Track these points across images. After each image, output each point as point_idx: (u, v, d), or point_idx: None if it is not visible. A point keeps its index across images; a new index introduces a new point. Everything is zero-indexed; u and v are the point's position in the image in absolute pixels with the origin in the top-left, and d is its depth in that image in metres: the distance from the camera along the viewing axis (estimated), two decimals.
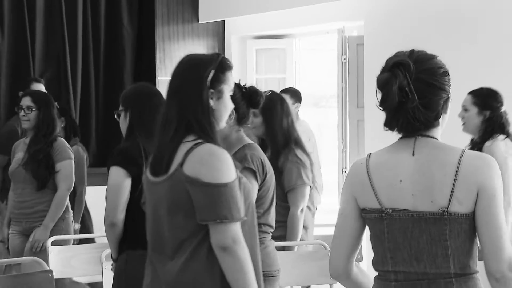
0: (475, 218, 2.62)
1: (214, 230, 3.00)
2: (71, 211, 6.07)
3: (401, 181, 2.69)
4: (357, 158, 8.38)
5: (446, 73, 2.77)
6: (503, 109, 5.64)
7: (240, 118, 3.90)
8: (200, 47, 9.53)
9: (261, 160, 3.88)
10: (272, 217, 3.94)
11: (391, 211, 2.69)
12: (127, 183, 4.11)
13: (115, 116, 4.48)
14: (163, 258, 3.13)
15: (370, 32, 8.13)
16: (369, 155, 2.78)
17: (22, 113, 5.87)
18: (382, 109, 2.72)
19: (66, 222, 5.95)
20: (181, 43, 9.46)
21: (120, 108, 4.38)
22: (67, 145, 5.95)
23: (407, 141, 2.72)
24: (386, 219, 2.71)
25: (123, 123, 4.34)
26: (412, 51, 2.84)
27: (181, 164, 3.02)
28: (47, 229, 5.77)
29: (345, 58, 8.65)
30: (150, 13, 9.35)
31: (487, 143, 5.53)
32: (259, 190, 3.82)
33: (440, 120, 2.74)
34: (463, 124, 5.73)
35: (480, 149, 5.50)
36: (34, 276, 4.57)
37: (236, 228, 3.01)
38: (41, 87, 7.41)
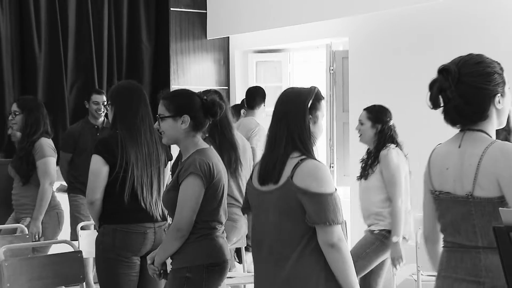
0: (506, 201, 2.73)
1: (322, 231, 3.19)
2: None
3: (447, 168, 2.87)
4: (342, 155, 8.40)
5: (490, 74, 2.92)
6: (391, 122, 5.71)
7: (196, 125, 3.86)
8: (208, 60, 9.53)
9: (209, 165, 3.79)
10: (221, 214, 3.88)
11: (438, 193, 2.89)
12: (105, 169, 4.27)
13: (106, 109, 4.58)
14: (275, 257, 3.26)
15: (354, 47, 8.13)
16: (436, 147, 2.99)
17: (10, 117, 5.91)
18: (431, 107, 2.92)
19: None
20: (191, 57, 9.45)
21: (108, 102, 4.51)
22: (49, 144, 5.88)
23: (459, 135, 2.89)
24: (437, 200, 2.91)
25: (110, 115, 4.47)
26: (460, 58, 3.02)
27: (291, 177, 3.21)
28: (36, 221, 5.76)
29: (332, 70, 8.64)
30: (165, 31, 9.34)
31: (383, 152, 5.57)
32: (207, 192, 3.77)
33: (490, 113, 2.85)
34: (359, 136, 5.80)
35: (376, 157, 5.60)
36: (65, 256, 4.55)
37: (339, 229, 3.20)
38: (100, 98, 7.26)
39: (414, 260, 5.84)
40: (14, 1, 8.44)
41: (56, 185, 6.49)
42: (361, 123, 5.78)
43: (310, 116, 3.32)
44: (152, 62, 9.41)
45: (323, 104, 3.43)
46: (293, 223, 3.23)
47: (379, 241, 5.55)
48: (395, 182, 5.53)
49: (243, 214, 3.77)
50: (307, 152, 3.28)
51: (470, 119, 2.85)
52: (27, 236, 5.43)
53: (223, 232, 3.92)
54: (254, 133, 6.84)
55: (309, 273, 3.22)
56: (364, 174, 5.70)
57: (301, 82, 9.45)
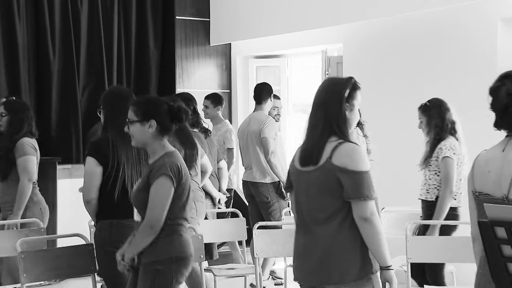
0: None
1: (357, 205, 3.28)
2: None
3: (489, 171, 2.88)
4: None
5: None
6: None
7: (163, 129, 3.90)
8: (211, 65, 9.53)
9: (178, 166, 3.86)
10: (187, 211, 3.95)
11: (478, 194, 2.90)
12: (99, 170, 4.28)
13: (97, 113, 4.58)
14: (316, 227, 3.36)
15: (348, 53, 8.13)
16: (481, 152, 3.01)
17: None
18: (493, 110, 2.94)
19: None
20: (196, 62, 9.45)
21: (100, 106, 4.51)
22: (30, 143, 5.84)
23: (505, 140, 2.92)
24: (477, 200, 2.90)
25: (102, 119, 4.50)
26: None
27: (330, 157, 3.30)
28: (16, 216, 5.72)
29: (327, 74, 8.64)
30: (171, 38, 9.35)
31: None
32: (176, 191, 3.84)
33: None
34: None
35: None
36: (77, 249, 4.55)
37: (373, 204, 3.29)
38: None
39: (404, 252, 5.82)
40: (30, 11, 8.47)
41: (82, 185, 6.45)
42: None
43: (347, 104, 3.40)
44: (159, 66, 9.42)
45: (359, 93, 3.49)
46: (331, 199, 3.32)
47: None
48: None
49: (286, 192, 3.82)
50: (344, 136, 3.36)
51: None
52: (42, 230, 5.42)
53: (188, 228, 3.99)
54: (266, 125, 6.88)
55: (348, 242, 3.31)
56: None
57: (298, 85, 9.47)
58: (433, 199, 5.53)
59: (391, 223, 6.08)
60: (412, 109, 6.06)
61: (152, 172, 3.84)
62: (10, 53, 8.27)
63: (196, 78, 9.42)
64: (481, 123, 6.74)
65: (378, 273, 3.35)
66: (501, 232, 2.39)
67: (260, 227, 5.40)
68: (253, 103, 9.57)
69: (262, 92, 7.18)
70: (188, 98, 6.28)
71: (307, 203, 3.41)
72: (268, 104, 7.17)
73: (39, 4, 8.46)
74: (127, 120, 3.93)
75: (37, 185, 5.95)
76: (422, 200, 5.63)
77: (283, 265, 6.43)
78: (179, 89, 9.14)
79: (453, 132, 5.59)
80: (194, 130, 6.16)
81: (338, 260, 3.31)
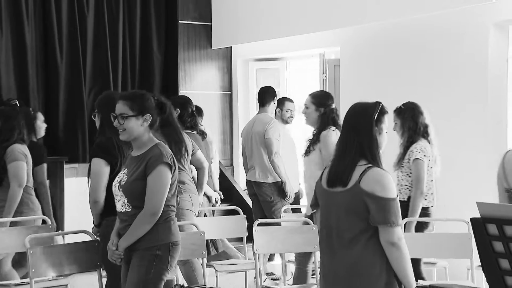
0: None
1: (384, 230, 3.28)
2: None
3: None
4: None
5: None
6: (333, 106, 5.65)
7: (152, 123, 3.93)
8: (213, 67, 9.54)
9: (172, 155, 3.91)
10: (175, 199, 3.97)
11: (510, 189, 2.94)
12: (107, 170, 4.31)
13: (92, 117, 4.58)
14: (343, 246, 3.36)
15: (345, 56, 8.14)
16: (510, 149, 3.05)
17: None
18: None
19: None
20: (198, 65, 9.46)
21: (95, 111, 4.54)
22: (20, 150, 5.78)
23: None
24: (510, 196, 2.94)
25: (97, 122, 4.51)
26: None
27: (359, 182, 3.30)
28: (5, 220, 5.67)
29: (325, 76, 8.65)
30: (174, 42, 9.35)
31: (323, 132, 5.56)
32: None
33: None
34: (305, 119, 5.76)
35: (318, 138, 5.57)
36: (84, 245, 4.57)
37: (399, 230, 3.29)
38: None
39: None
40: (38, 16, 8.48)
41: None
42: (306, 107, 5.74)
43: (376, 128, 3.42)
44: (162, 69, 9.42)
45: (386, 118, 3.51)
46: (357, 220, 3.33)
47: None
48: (328, 160, 5.48)
49: (312, 210, 3.80)
50: (373, 161, 3.37)
51: None
52: (50, 227, 5.43)
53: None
54: (270, 126, 6.90)
55: (373, 262, 3.32)
56: (306, 151, 5.69)
57: (297, 87, 9.47)
58: (405, 199, 5.55)
59: None
60: None
61: (150, 161, 3.83)
62: (19, 56, 8.28)
63: (198, 81, 9.43)
64: (472, 125, 6.77)
65: None
66: (492, 229, 2.39)
67: (260, 224, 5.41)
68: (253, 104, 9.62)
69: (266, 95, 7.18)
70: (186, 101, 6.28)
71: (334, 223, 3.42)
72: (272, 106, 7.17)
73: (47, 8, 8.47)
74: (120, 115, 3.90)
75: (32, 189, 5.89)
76: None
77: (281, 261, 6.45)
78: (182, 91, 9.14)
79: (425, 135, 5.61)
80: (193, 132, 6.17)
81: (364, 279, 3.34)
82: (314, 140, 5.64)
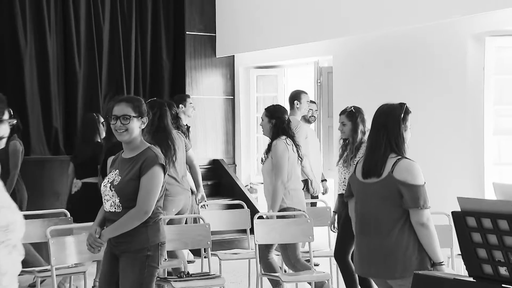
0: None
1: (415, 213, 3.46)
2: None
3: None
4: (327, 152, 8.41)
5: None
6: (286, 117, 5.62)
7: (145, 126, 3.81)
8: (217, 74, 9.54)
9: (164, 158, 3.77)
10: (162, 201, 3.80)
11: None
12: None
13: (102, 125, 4.46)
14: (379, 231, 3.52)
15: (337, 64, 8.14)
16: None
17: None
18: None
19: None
20: (203, 72, 9.46)
21: (107, 115, 4.29)
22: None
23: None
24: None
25: (104, 129, 4.37)
26: None
27: (392, 172, 3.49)
28: None
29: (319, 82, 8.66)
30: (182, 51, 9.35)
31: (273, 142, 5.54)
32: None
33: None
34: (262, 130, 5.74)
35: (270, 146, 5.56)
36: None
37: (428, 212, 3.47)
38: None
39: None
40: (59, 28, 8.49)
41: None
42: (261, 119, 5.74)
43: (403, 126, 3.60)
44: (171, 76, 9.42)
45: (410, 116, 3.66)
46: (392, 207, 3.50)
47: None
48: (278, 166, 5.47)
49: (346, 201, 3.82)
50: (401, 153, 3.55)
51: None
52: (69, 219, 5.43)
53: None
54: (296, 129, 6.62)
55: (407, 244, 3.47)
56: (262, 160, 5.68)
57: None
58: None
59: None
60: None
61: (145, 162, 3.66)
62: (41, 64, 8.29)
63: (203, 86, 9.43)
64: (452, 126, 6.78)
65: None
66: (471, 221, 2.40)
67: (259, 217, 5.42)
68: (254, 108, 9.66)
69: (289, 99, 7.07)
70: (170, 104, 6.27)
71: (371, 210, 3.57)
72: (297, 109, 6.98)
73: (67, 21, 8.48)
74: (123, 116, 3.69)
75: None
76: (339, 194, 5.57)
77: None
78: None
79: None
80: (178, 132, 6.14)
81: (400, 258, 3.48)
82: (268, 150, 5.61)
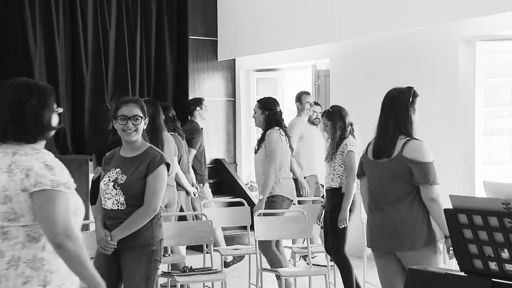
0: None
1: (425, 189, 3.52)
2: None
3: None
4: (325, 147, 8.39)
5: None
6: (278, 109, 5.66)
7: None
8: (219, 77, 9.54)
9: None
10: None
11: None
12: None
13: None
14: (389, 206, 3.57)
15: (334, 67, 8.16)
16: None
17: None
18: None
19: None
20: (205, 74, 9.47)
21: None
22: None
23: None
24: None
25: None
26: None
27: (401, 151, 3.56)
28: None
29: (317, 84, 8.66)
30: (185, 54, 9.36)
31: (267, 132, 5.58)
32: None
33: None
34: (254, 122, 5.80)
35: (263, 138, 5.60)
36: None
37: (438, 188, 3.52)
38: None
39: None
40: (67, 32, 8.49)
41: None
42: (254, 111, 5.77)
43: (412, 109, 3.65)
44: (174, 78, 9.42)
45: (418, 99, 3.72)
46: (402, 184, 3.56)
47: (267, 205, 5.54)
48: (272, 155, 5.51)
49: (358, 179, 3.90)
50: (410, 135, 3.61)
51: None
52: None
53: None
54: (288, 126, 6.51)
55: (416, 218, 3.53)
56: (255, 150, 5.70)
57: (292, 94, 9.46)
58: (337, 186, 5.47)
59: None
60: None
61: (152, 162, 3.64)
62: (51, 67, 8.29)
63: (206, 88, 9.44)
64: (445, 125, 6.80)
65: (440, 241, 3.59)
66: (462, 218, 2.41)
67: (259, 214, 5.44)
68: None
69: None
70: (167, 107, 6.27)
71: (380, 188, 3.63)
72: (301, 109, 6.99)
73: (75, 27, 8.49)
74: (134, 116, 3.67)
75: None
76: (327, 188, 5.60)
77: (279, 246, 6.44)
78: (192, 97, 9.16)
79: (352, 131, 5.62)
80: (175, 134, 6.12)
81: (408, 231, 3.52)
82: (261, 140, 5.65)
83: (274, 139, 5.52)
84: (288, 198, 5.63)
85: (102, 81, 8.63)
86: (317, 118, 7.31)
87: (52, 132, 2.55)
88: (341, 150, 5.52)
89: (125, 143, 3.75)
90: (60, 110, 2.55)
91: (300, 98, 7.09)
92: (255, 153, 5.73)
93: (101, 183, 3.73)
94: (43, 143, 2.52)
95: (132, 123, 3.66)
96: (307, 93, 7.24)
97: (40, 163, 2.41)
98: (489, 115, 6.70)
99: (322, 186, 6.80)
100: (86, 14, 8.57)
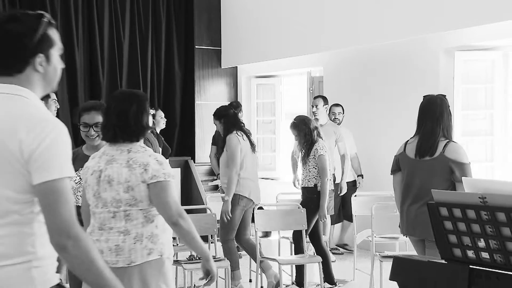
0: None
1: (462, 186, 3.34)
2: None
3: None
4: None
5: None
6: (231, 113, 5.54)
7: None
8: (222, 83, 9.55)
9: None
10: None
11: None
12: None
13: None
14: (426, 200, 3.56)
15: (327, 74, 8.16)
16: None
17: None
18: None
19: None
20: (210, 80, 9.47)
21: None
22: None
23: None
24: None
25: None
26: None
27: (443, 152, 3.76)
28: None
29: (311, 90, 8.66)
30: (191, 62, 9.36)
31: (227, 137, 5.47)
32: None
33: None
34: (219, 131, 5.68)
35: (225, 142, 5.51)
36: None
37: None
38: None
39: (370, 226, 5.86)
40: (86, 42, 8.50)
41: None
42: (215, 124, 5.69)
43: (451, 115, 3.89)
44: (182, 84, 9.42)
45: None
46: (440, 179, 3.74)
47: (234, 204, 5.44)
48: (232, 158, 5.40)
49: (392, 174, 3.95)
50: (449, 138, 3.83)
51: None
52: None
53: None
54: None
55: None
56: (220, 154, 5.63)
57: (289, 99, 9.47)
58: (312, 186, 5.53)
59: (361, 204, 6.11)
60: (380, 118, 6.05)
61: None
62: (70, 75, 8.29)
63: (210, 93, 9.44)
64: None
65: None
66: (443, 211, 2.42)
67: (259, 208, 5.44)
68: (255, 113, 9.64)
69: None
70: (238, 105, 6.22)
71: (420, 183, 3.77)
72: (313, 113, 6.87)
73: (92, 38, 8.50)
74: (97, 123, 3.46)
75: None
76: (303, 187, 5.63)
77: (277, 236, 6.45)
78: (197, 102, 9.18)
79: (318, 134, 5.61)
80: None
81: None
82: (223, 145, 5.54)
83: (233, 143, 5.40)
84: (246, 197, 5.44)
85: (116, 87, 8.63)
86: (336, 118, 7.08)
87: (148, 130, 2.90)
88: (312, 154, 5.54)
89: (90, 145, 3.61)
90: (152, 111, 2.70)
91: (315, 102, 6.89)
92: (220, 156, 5.60)
93: (72, 182, 3.46)
94: (142, 140, 2.86)
95: (94, 130, 3.49)
96: (320, 97, 6.95)
97: (153, 159, 2.77)
98: (467, 118, 6.71)
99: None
100: (103, 27, 8.58)
